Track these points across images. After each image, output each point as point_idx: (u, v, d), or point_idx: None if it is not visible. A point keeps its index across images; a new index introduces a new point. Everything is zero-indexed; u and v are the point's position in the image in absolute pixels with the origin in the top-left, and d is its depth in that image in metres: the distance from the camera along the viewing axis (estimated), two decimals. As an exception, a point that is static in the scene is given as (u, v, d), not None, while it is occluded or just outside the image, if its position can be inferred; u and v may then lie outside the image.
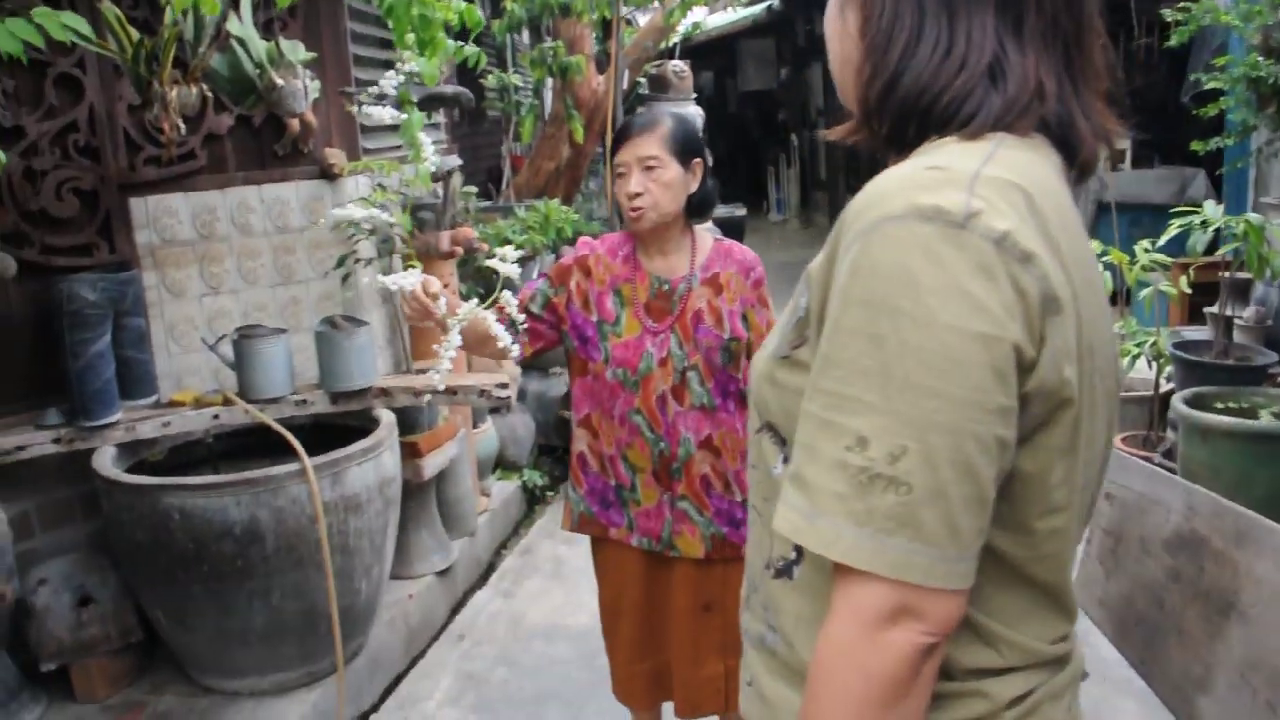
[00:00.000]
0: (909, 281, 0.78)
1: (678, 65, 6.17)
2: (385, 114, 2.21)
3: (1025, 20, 0.90)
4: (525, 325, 2.21)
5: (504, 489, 4.64)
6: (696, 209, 2.24)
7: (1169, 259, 4.00)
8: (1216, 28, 5.19)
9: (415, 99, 3.42)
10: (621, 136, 2.19)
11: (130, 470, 3.01)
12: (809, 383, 0.85)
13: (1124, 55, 8.24)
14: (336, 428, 3.34)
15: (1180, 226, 3.69)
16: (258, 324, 3.30)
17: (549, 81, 6.07)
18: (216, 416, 3.13)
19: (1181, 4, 4.52)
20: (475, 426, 4.42)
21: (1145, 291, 3.90)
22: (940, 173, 0.83)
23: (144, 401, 3.14)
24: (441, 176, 3.76)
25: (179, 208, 3.28)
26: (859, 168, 11.71)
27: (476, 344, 2.17)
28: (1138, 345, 3.91)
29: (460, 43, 2.77)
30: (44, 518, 3.14)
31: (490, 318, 2.02)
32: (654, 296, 2.22)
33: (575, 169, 6.19)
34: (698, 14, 6.08)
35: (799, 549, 0.96)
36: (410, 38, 2.35)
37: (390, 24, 2.17)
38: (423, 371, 3.64)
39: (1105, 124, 0.95)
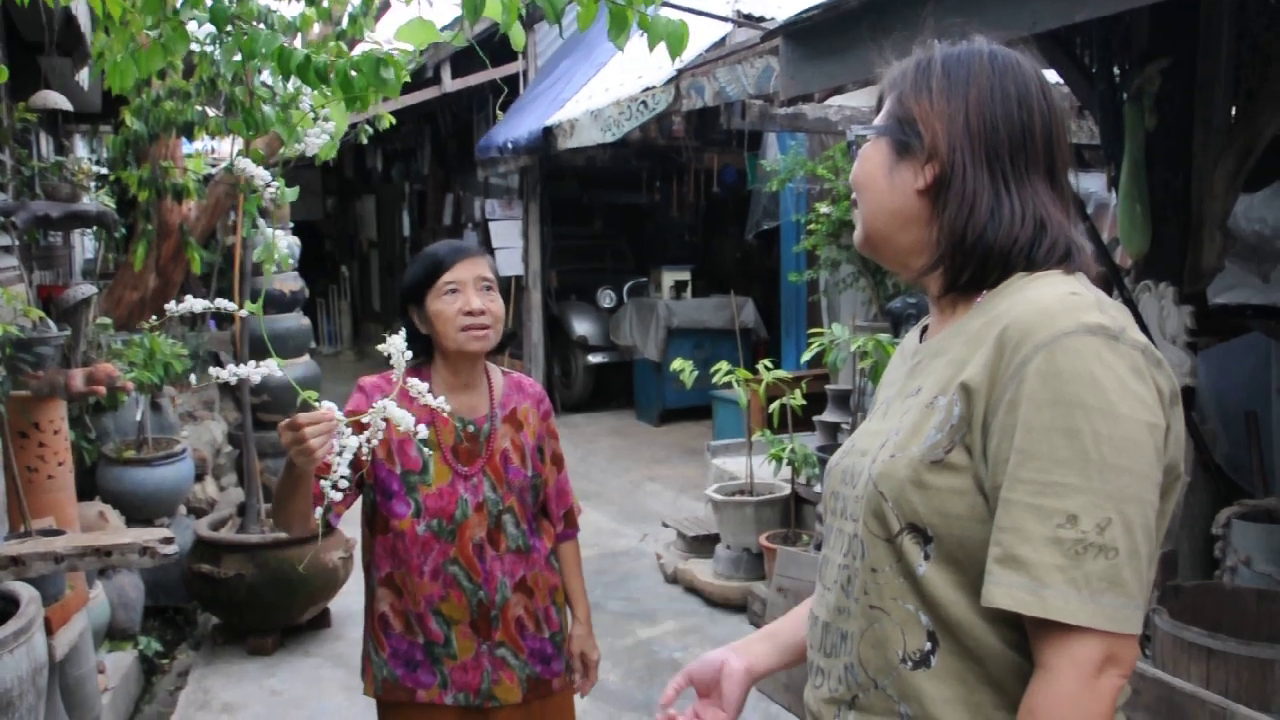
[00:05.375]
0: (1093, 382, 0.94)
1: (275, 193, 5.92)
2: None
3: (1061, 186, 1.11)
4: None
5: (120, 662, 4.00)
6: (503, 343, 2.15)
7: (788, 374, 4.54)
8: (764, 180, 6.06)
9: (55, 215, 3.01)
10: (450, 256, 2.06)
11: None
12: (1007, 476, 0.96)
13: (676, 201, 9.26)
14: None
15: (819, 346, 4.21)
16: None
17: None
18: None
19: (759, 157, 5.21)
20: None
21: (774, 404, 4.38)
22: (1079, 298, 1.00)
23: None
24: (70, 307, 3.29)
25: None
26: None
27: (289, 495, 1.82)
28: (780, 451, 4.36)
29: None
30: None
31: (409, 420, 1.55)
32: (460, 439, 2.10)
33: (162, 299, 5.65)
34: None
35: (934, 638, 1.02)
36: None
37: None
38: (53, 532, 3.09)
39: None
